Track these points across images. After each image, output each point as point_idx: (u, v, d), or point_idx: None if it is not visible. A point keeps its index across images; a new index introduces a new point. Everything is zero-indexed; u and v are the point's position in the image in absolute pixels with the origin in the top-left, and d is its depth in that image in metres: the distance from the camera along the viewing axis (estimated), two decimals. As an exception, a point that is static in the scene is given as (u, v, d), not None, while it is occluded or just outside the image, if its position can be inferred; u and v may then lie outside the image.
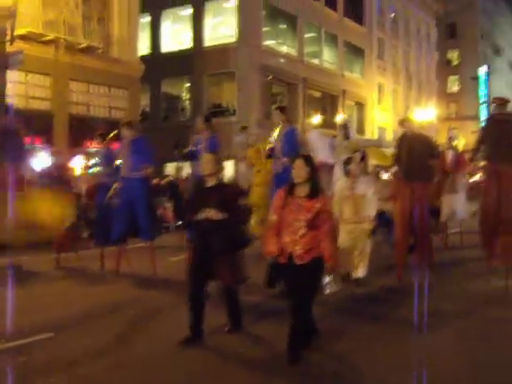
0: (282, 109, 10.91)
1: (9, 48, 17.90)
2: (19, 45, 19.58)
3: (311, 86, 36.73)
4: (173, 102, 35.96)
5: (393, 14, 49.69)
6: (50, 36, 23.20)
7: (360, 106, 43.70)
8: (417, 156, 10.06)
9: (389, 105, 48.29)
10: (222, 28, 34.35)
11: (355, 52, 43.18)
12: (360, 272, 9.45)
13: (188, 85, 34.81)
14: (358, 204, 9.41)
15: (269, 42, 34.15)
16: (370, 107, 44.58)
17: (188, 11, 34.09)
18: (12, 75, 20.28)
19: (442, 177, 13.69)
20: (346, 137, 12.20)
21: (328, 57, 39.95)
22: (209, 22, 33.78)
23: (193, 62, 32.82)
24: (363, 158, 10.15)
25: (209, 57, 32.29)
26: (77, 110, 25.13)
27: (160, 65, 32.97)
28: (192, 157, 10.66)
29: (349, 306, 8.30)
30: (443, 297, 8.63)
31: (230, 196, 6.52)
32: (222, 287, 6.60)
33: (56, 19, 23.70)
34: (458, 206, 13.98)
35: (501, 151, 9.36)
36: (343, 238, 9.45)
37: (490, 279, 9.53)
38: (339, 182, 10.05)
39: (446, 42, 67.99)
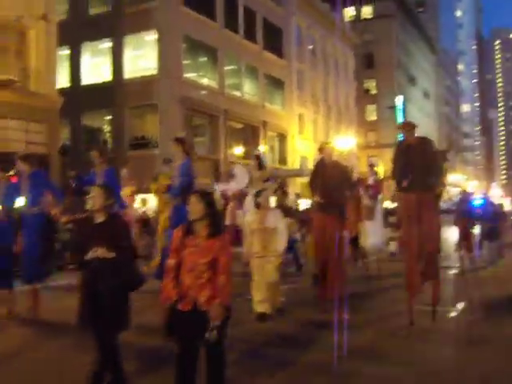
0: (178, 140, 10.38)
1: None
2: None
3: (232, 117, 36.99)
4: (94, 134, 35.51)
5: (311, 46, 50.76)
6: (-35, 70, 22.65)
7: (281, 136, 44.23)
8: (333, 185, 9.91)
9: (310, 134, 49.10)
10: (142, 60, 34.29)
11: (275, 84, 43.80)
12: (267, 307, 9.23)
13: (109, 117, 34.50)
14: (267, 238, 9.30)
15: (190, 75, 34.29)
16: (291, 137, 45.20)
17: (108, 44, 33.89)
18: None
19: (359, 204, 14.02)
20: (259, 167, 12.23)
21: (249, 89, 40.38)
22: (129, 54, 33.68)
23: (113, 94, 32.59)
24: (281, 189, 10.30)
25: (130, 89, 32.14)
26: (-6, 144, 24.51)
27: (80, 98, 32.59)
28: (80, 192, 9.92)
29: (255, 347, 7.91)
30: (357, 332, 8.28)
31: (120, 232, 5.80)
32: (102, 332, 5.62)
33: (-31, 53, 23.15)
34: (375, 232, 14.15)
35: (410, 177, 9.12)
36: (253, 273, 9.40)
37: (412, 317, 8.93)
38: (250, 215, 9.94)
39: (363, 72, 69.89)
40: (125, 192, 14.30)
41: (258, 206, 9.65)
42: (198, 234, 5.25)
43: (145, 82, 32.03)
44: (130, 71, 33.20)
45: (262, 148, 12.84)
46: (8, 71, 24.59)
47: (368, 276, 14.05)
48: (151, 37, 32.74)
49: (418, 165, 8.96)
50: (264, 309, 9.17)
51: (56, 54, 28.03)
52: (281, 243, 9.35)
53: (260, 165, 12.38)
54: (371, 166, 15.78)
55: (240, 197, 12.59)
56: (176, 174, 10.15)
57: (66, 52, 33.86)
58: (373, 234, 14.17)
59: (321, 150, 10.50)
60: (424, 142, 9.38)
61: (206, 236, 5.23)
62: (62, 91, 28.82)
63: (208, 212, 5.25)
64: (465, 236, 16.89)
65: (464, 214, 17.29)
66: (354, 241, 15.26)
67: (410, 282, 9.00)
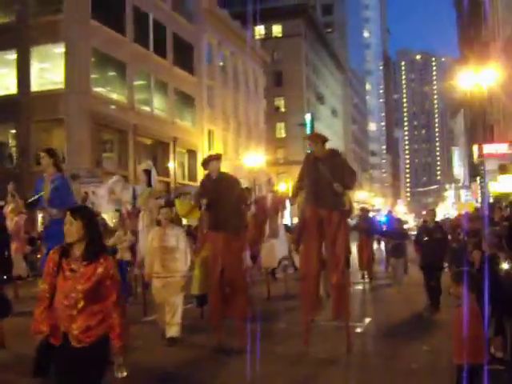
0: (48, 151, 9.35)
1: None
2: None
3: (142, 133, 36.75)
4: (1, 148, 34.50)
5: (222, 63, 51.11)
6: None
7: (191, 152, 44.22)
8: (224, 202, 9.11)
9: (219, 151, 49.19)
10: (49, 73, 33.69)
11: (186, 100, 43.84)
12: (173, 330, 8.92)
13: (14, 131, 33.65)
14: (167, 257, 8.96)
15: (98, 89, 33.86)
16: (201, 154, 45.21)
17: (13, 55, 33.06)
18: None
19: (261, 222, 13.84)
20: (149, 184, 11.63)
21: (159, 104, 40.24)
22: (36, 66, 32.98)
23: (19, 107, 31.80)
24: (170, 206, 9.89)
25: (36, 103, 31.42)
26: None
27: (-17, 110, 31.67)
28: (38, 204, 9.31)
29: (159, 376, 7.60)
30: (268, 359, 8.01)
31: None
32: None
33: None
34: (279, 251, 13.87)
35: (317, 192, 8.71)
36: (154, 294, 9.09)
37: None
38: (150, 233, 9.47)
39: (273, 90, 70.78)
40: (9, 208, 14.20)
41: (158, 223, 9.39)
42: (76, 256, 4.57)
43: (52, 96, 31.40)
44: (37, 84, 32.49)
45: (150, 163, 11.34)
46: None
47: (272, 296, 14.20)
48: (59, 49, 32.17)
49: (326, 180, 8.52)
50: (175, 332, 8.94)
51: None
52: (183, 262, 8.99)
53: (149, 181, 11.70)
54: (269, 181, 15.40)
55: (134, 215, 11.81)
56: (50, 187, 9.10)
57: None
58: (278, 252, 13.96)
59: (205, 164, 9.51)
60: (333, 154, 8.93)
61: (83, 259, 4.56)
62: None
63: (87, 232, 4.56)
64: (361, 253, 17.99)
65: (362, 231, 18.18)
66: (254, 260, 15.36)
67: (305, 304, 8.72)
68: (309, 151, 9.37)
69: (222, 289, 9.11)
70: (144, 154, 37.84)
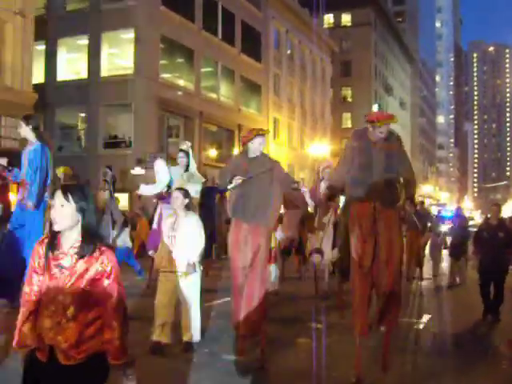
0: (26, 118, 9.00)
1: None
2: None
3: (207, 119, 37.06)
4: (68, 131, 35.40)
5: (289, 51, 51.02)
6: None
7: (256, 140, 44.23)
8: (262, 187, 7.42)
9: (284, 140, 49.31)
10: (118, 59, 34.29)
11: (252, 87, 43.93)
12: (192, 335, 7.66)
13: (83, 115, 34.41)
14: (178, 249, 7.61)
15: (166, 75, 34.31)
16: (265, 142, 45.26)
17: (84, 41, 33.78)
18: None
19: (308, 211, 12.51)
20: (187, 167, 10.32)
21: (225, 91, 40.48)
22: (105, 52, 33.61)
23: (88, 91, 32.50)
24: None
25: (105, 87, 32.07)
26: (-34, 138, 24.38)
27: (55, 94, 32.50)
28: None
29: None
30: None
31: None
32: None
33: None
34: (325, 245, 12.09)
35: (369, 181, 6.95)
36: (159, 294, 7.63)
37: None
38: (166, 222, 8.02)
39: (340, 80, 70.29)
40: None
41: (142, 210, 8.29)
42: (65, 249, 3.56)
43: (120, 81, 31.98)
44: (106, 69, 33.14)
45: (189, 143, 10.82)
46: (-17, 65, 24.49)
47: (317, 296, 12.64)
48: (129, 35, 32.70)
49: (381, 169, 6.93)
50: (160, 337, 7.43)
51: (32, 50, 27.91)
52: (193, 253, 7.58)
53: (188, 163, 10.37)
54: (327, 167, 12.72)
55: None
56: (25, 163, 8.53)
57: (41, 47, 33.68)
58: (324, 247, 12.13)
59: (246, 139, 7.72)
60: (392, 138, 7.15)
61: (75, 253, 3.54)
62: (38, 86, 28.74)
63: (81, 217, 3.56)
64: (410, 250, 16.04)
65: (412, 225, 16.27)
66: (298, 250, 14.70)
67: (356, 323, 6.83)
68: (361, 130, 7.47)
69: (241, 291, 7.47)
70: (209, 140, 38.21)
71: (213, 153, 38.12)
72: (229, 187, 7.49)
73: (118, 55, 34.39)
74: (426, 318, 10.88)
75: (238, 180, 7.30)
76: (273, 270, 12.36)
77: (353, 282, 6.90)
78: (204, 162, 34.61)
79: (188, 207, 7.77)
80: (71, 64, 35.22)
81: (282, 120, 49.03)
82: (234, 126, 40.00)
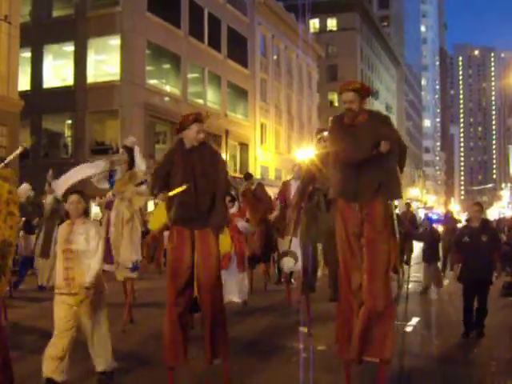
0: None
1: None
2: None
3: (195, 125, 36.99)
4: (54, 138, 35.27)
5: (275, 56, 51.13)
6: None
7: (243, 145, 44.39)
8: (204, 185, 6.28)
9: (271, 145, 49.40)
10: (105, 65, 34.23)
11: (238, 93, 43.98)
12: (103, 364, 6.44)
13: (70, 121, 34.32)
14: (74, 265, 6.17)
15: (152, 81, 34.30)
16: (252, 147, 45.39)
17: (70, 47, 33.71)
18: None
19: (279, 214, 11.57)
20: (131, 165, 9.14)
21: (212, 97, 40.50)
22: (92, 58, 33.56)
23: (75, 98, 32.45)
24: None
25: (91, 94, 32.03)
26: (-50, 145, 24.28)
27: (41, 100, 32.38)
28: None
29: None
30: None
31: None
32: None
33: None
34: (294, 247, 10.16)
35: (352, 173, 6.08)
36: (56, 317, 6.21)
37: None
38: (60, 232, 6.52)
39: (327, 84, 70.44)
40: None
41: (66, 215, 6.64)
42: None
43: (107, 87, 31.94)
44: (93, 75, 33.07)
45: (134, 139, 9.54)
46: (-33, 72, 24.39)
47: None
48: (115, 41, 32.68)
49: (366, 149, 5.94)
50: (51, 372, 6.08)
51: (18, 56, 27.83)
52: (92, 272, 6.13)
53: (132, 161, 9.13)
54: (296, 167, 11.81)
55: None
56: None
57: (27, 54, 33.58)
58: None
59: (184, 124, 6.46)
60: (377, 117, 6.32)
61: None
62: (23, 94, 28.64)
63: None
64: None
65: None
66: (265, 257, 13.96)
67: (344, 338, 6.09)
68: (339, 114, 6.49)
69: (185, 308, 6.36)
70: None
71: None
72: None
73: (105, 61, 34.33)
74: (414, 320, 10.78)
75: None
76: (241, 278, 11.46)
77: (340, 296, 6.24)
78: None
79: (86, 213, 6.51)
80: (57, 71, 35.12)
81: (268, 125, 49.10)
82: (221, 132, 39.96)
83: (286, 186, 11.79)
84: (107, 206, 9.25)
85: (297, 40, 53.01)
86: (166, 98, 34.65)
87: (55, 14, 34.50)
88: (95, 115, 32.98)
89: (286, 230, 10.70)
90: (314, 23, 73.49)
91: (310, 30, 65.83)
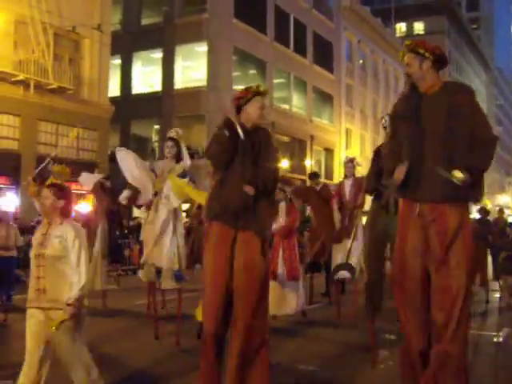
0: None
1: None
2: (-12, 85, 19.72)
3: (280, 130, 37.06)
4: (142, 143, 36.03)
5: (361, 61, 50.66)
6: (21, 76, 23.29)
7: (328, 151, 44.17)
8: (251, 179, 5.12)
9: (357, 150, 48.90)
10: (192, 71, 34.76)
11: (324, 98, 43.80)
12: None
13: (157, 127, 34.98)
14: (47, 273, 4.97)
15: (239, 87, 34.53)
16: (338, 152, 45.08)
17: (158, 54, 34.41)
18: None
19: (331, 216, 10.61)
20: (178, 158, 8.25)
21: (297, 102, 40.49)
22: (179, 65, 34.14)
23: (162, 104, 33.07)
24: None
25: (179, 99, 32.57)
26: (45, 150, 25.03)
27: (130, 106, 33.14)
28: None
29: None
30: None
31: None
32: None
33: (27, 59, 23.81)
34: (352, 257, 9.67)
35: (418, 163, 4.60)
36: (27, 336, 4.97)
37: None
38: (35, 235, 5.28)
39: (413, 89, 69.23)
40: None
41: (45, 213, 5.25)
42: None
43: (194, 93, 32.41)
44: (180, 81, 33.67)
45: (179, 130, 8.59)
46: (62, 79, 25.23)
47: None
48: (202, 48, 33.15)
49: (440, 136, 4.59)
50: None
51: (109, 64, 28.65)
52: (76, 283, 4.94)
53: (178, 154, 8.29)
54: (350, 162, 10.84)
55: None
56: None
57: (117, 61, 34.48)
58: (351, 259, 9.69)
59: (240, 100, 5.37)
60: (458, 90, 4.81)
61: None
62: (113, 99, 29.43)
63: None
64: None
65: (479, 238, 12.44)
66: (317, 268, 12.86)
67: (404, 370, 4.82)
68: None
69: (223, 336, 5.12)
70: (281, 151, 38.19)
71: (285, 163, 38.08)
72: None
73: (192, 68, 34.87)
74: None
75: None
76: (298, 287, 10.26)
77: (401, 318, 4.80)
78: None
79: (66, 212, 5.18)
80: (146, 77, 35.93)
81: (354, 130, 48.66)
82: (307, 137, 39.92)
83: (341, 185, 10.80)
84: (148, 206, 8.44)
85: (383, 44, 52.42)
86: (252, 104, 34.79)
87: (144, 22, 35.29)
88: (182, 120, 33.40)
89: (343, 233, 10.11)
90: (401, 27, 72.49)
91: (396, 34, 64.97)
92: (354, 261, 9.68)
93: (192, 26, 32.55)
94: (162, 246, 7.96)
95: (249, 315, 4.97)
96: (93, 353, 5.15)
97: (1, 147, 23.40)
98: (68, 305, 4.84)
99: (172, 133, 8.47)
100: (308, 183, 13.87)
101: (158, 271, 8.02)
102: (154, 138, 35.82)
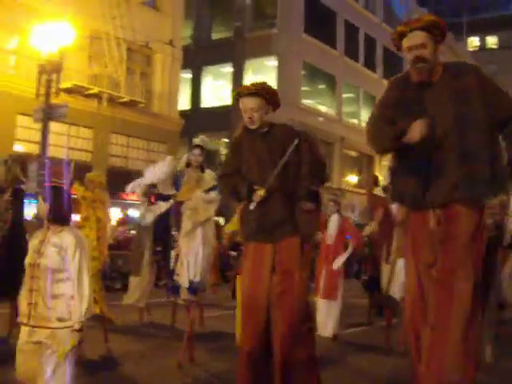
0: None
1: (54, 100, 18.44)
2: (64, 98, 20.17)
3: (348, 145, 36.85)
4: (210, 156, 36.13)
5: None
6: (94, 90, 23.76)
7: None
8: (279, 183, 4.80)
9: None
10: (262, 86, 34.90)
11: (393, 113, 43.27)
12: None
13: (226, 140, 35.16)
14: (39, 287, 4.33)
15: (307, 101, 34.50)
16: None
17: (228, 68, 34.66)
18: (55, 126, 20.84)
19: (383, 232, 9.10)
20: (203, 167, 7.57)
21: (366, 117, 39.88)
22: (249, 79, 34.25)
23: (231, 117, 33.19)
24: None
25: (248, 113, 32.68)
26: (116, 162, 25.51)
27: (199, 119, 33.40)
28: None
29: None
30: None
31: None
32: None
33: (100, 73, 24.32)
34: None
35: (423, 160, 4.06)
36: (17, 361, 4.27)
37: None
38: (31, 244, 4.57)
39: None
40: None
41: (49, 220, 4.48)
42: None
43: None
44: (249, 96, 33.81)
45: (205, 138, 8.06)
46: (133, 92, 25.66)
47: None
48: (271, 62, 33.24)
49: (451, 129, 3.97)
50: None
51: (179, 78, 29.00)
52: (79, 302, 4.26)
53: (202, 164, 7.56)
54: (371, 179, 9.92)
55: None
56: None
57: (188, 75, 34.87)
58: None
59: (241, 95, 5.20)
60: (463, 71, 4.15)
61: None
62: (183, 113, 29.77)
63: None
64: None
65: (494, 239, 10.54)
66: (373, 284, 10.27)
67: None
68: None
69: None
70: (349, 166, 37.95)
71: (353, 179, 37.78)
72: (251, 207, 4.76)
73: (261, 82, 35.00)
74: None
75: (258, 196, 4.74)
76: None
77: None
78: (344, 188, 34.34)
79: (64, 219, 4.54)
80: (215, 91, 36.20)
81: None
82: (374, 152, 39.49)
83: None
84: (176, 213, 7.73)
85: (455, 58, 51.42)
86: (320, 118, 34.69)
87: (214, 36, 35.62)
88: (250, 134, 33.60)
89: (390, 251, 8.66)
90: (473, 41, 71.17)
91: (468, 49, 63.89)
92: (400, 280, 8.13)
93: (262, 40, 32.67)
94: (185, 259, 7.34)
95: (288, 324, 4.56)
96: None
97: (74, 158, 23.86)
98: (76, 331, 4.22)
99: (198, 140, 7.91)
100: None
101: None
102: (223, 150, 36.02)
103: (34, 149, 20.43)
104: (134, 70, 26.60)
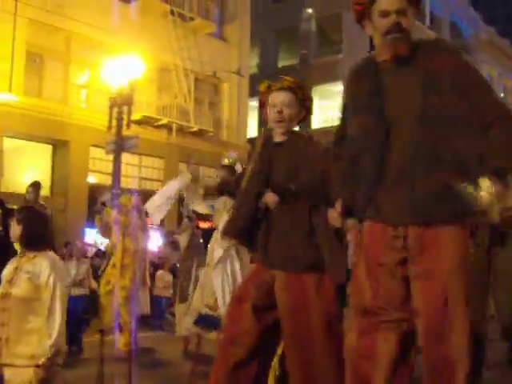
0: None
1: (125, 132, 18.94)
2: (134, 129, 20.64)
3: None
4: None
5: (502, 95, 48.99)
6: (164, 120, 24.21)
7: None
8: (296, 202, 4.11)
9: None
10: (329, 111, 34.88)
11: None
12: None
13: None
14: (11, 319, 3.96)
15: (375, 124, 34.35)
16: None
17: (295, 95, 34.85)
18: (126, 157, 21.34)
19: None
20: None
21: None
22: (316, 104, 34.35)
23: (299, 144, 33.39)
24: None
25: (316, 138, 32.66)
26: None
27: (267, 147, 33.67)
28: None
29: None
30: None
31: None
32: None
33: (169, 104, 24.80)
34: None
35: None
36: None
37: None
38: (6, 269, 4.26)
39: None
40: None
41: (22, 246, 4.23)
42: None
43: (330, 132, 32.28)
44: (317, 121, 33.88)
45: (235, 155, 6.85)
46: (202, 122, 26.03)
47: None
48: (337, 88, 33.23)
49: (417, 124, 3.03)
50: None
51: (247, 106, 29.31)
52: (42, 335, 3.92)
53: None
54: None
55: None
56: None
57: (255, 103, 35.16)
58: None
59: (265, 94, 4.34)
60: (436, 49, 3.14)
61: None
62: (252, 140, 30.03)
63: None
64: None
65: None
66: None
67: None
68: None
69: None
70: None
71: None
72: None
73: (328, 107, 35.00)
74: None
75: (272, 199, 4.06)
76: None
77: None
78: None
79: (38, 244, 4.11)
80: (282, 118, 36.45)
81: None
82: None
83: None
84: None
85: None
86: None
87: (280, 64, 35.93)
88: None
89: None
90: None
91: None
92: None
93: (327, 66, 32.77)
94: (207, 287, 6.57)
95: (305, 367, 3.74)
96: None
97: (146, 188, 24.30)
98: (37, 366, 3.74)
99: (227, 158, 7.08)
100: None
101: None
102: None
103: (107, 180, 20.96)
104: (202, 99, 27.01)
